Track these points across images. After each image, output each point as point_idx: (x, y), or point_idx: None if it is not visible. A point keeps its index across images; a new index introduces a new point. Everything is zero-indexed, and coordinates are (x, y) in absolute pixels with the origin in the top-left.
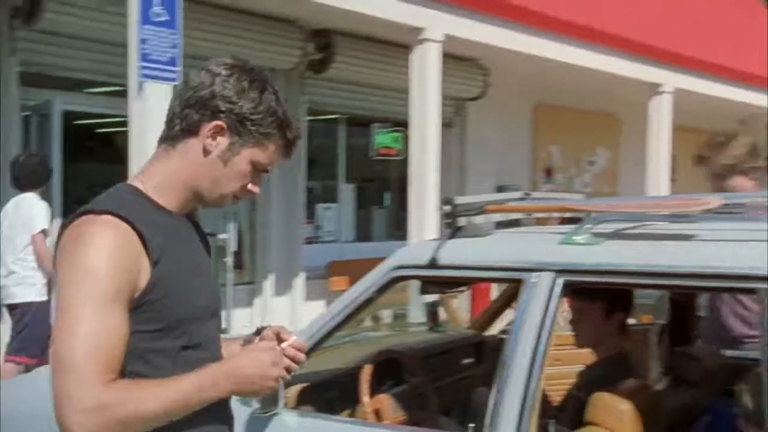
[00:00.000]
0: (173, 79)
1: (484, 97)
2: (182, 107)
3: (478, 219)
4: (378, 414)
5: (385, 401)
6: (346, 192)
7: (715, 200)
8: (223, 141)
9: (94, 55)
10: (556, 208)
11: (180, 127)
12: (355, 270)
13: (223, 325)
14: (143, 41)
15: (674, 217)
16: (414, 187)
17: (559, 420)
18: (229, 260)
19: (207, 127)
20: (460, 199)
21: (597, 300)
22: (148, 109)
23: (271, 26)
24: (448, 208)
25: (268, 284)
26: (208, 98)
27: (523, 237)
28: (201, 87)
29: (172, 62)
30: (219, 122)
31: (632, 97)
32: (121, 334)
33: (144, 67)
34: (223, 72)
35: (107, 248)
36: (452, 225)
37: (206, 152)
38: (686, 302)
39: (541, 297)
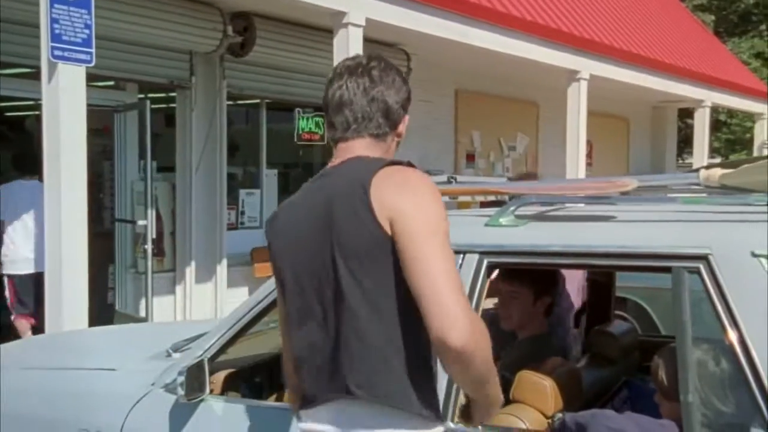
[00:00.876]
0: (87, 61)
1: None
2: (387, 107)
3: None
4: None
5: None
6: (269, 177)
7: (631, 183)
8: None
9: (3, 35)
10: (482, 191)
11: (388, 126)
12: None
13: (143, 314)
14: (55, 21)
15: (594, 199)
16: None
17: None
18: (149, 247)
19: (404, 122)
20: None
21: (526, 285)
22: (61, 91)
23: (189, 8)
24: None
25: (190, 272)
26: (406, 98)
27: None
28: (401, 87)
29: (85, 43)
30: (407, 116)
31: (550, 84)
32: None
33: (55, 48)
34: (398, 69)
35: None
36: None
37: (396, 143)
38: (604, 282)
39: (467, 278)
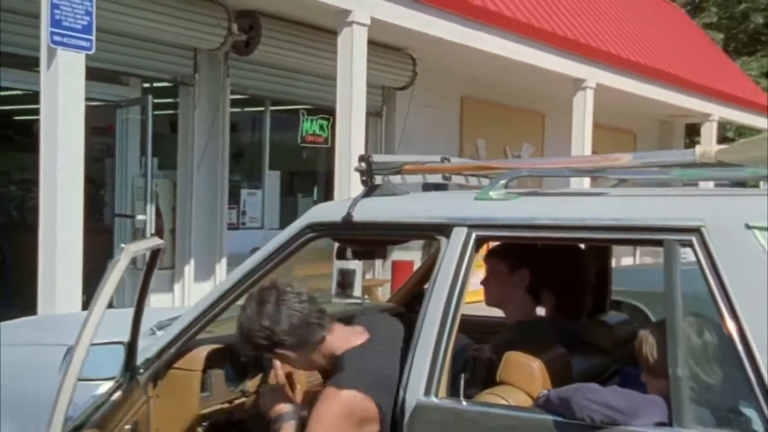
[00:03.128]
0: (86, 48)
1: (412, 87)
2: None
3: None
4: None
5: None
6: (272, 178)
7: (625, 157)
8: None
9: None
10: (474, 167)
11: None
12: None
13: None
14: (55, 6)
15: (586, 173)
16: (339, 175)
17: (470, 381)
18: None
19: None
20: (377, 157)
21: (502, 257)
22: (60, 78)
23: (194, 4)
24: (363, 165)
25: (189, 270)
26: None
27: (439, 195)
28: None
29: (85, 30)
30: None
31: (556, 93)
32: None
33: (55, 33)
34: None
35: None
36: (368, 183)
37: None
38: (599, 272)
39: (455, 252)
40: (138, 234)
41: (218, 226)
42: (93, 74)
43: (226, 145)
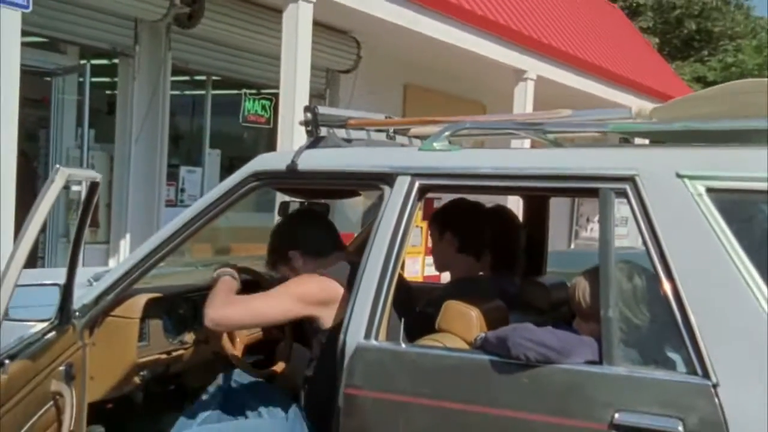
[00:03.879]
0: (23, 6)
1: (356, 71)
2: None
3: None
4: (230, 334)
5: None
6: (212, 156)
7: (565, 111)
8: None
9: None
10: (419, 120)
11: None
12: (217, 236)
13: None
14: None
15: (528, 126)
16: None
17: (409, 333)
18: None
19: None
20: (323, 109)
21: (432, 223)
22: None
23: None
24: (309, 116)
25: (125, 245)
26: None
27: (384, 148)
28: None
29: None
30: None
31: (497, 85)
32: None
33: None
34: None
35: None
36: (313, 134)
37: None
38: (537, 234)
39: (398, 201)
40: (72, 205)
41: (156, 202)
42: (28, 41)
43: (165, 120)
